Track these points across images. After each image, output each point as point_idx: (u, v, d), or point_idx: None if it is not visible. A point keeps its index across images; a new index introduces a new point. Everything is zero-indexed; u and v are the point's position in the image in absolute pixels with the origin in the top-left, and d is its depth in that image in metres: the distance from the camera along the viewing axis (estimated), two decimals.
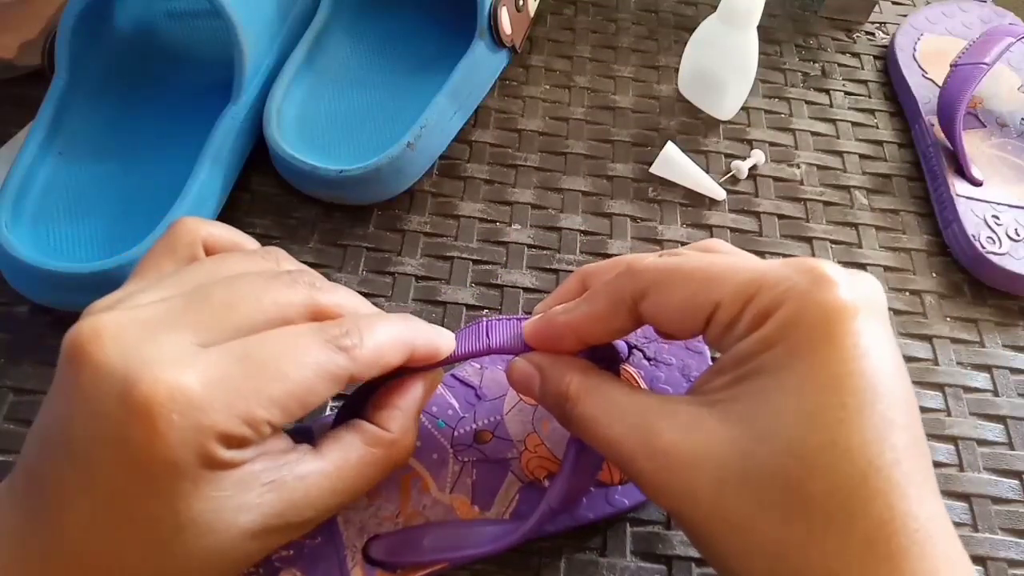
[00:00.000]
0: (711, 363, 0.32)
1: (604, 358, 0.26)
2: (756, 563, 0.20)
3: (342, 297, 0.24)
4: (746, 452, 0.20)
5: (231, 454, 0.20)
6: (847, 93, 0.50)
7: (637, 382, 0.31)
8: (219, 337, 0.21)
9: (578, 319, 0.25)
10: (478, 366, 0.32)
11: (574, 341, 0.25)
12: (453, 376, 0.32)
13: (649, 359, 0.32)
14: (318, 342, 0.22)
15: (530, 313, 0.37)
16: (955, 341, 0.39)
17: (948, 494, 0.34)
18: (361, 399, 0.26)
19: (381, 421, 0.25)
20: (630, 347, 0.32)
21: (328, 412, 0.33)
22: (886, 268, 0.41)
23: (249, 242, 0.27)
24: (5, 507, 0.21)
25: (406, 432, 0.25)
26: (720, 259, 0.23)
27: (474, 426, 0.31)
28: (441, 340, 0.26)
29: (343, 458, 0.23)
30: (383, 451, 0.24)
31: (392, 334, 0.24)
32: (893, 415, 0.20)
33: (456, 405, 0.31)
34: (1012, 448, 0.35)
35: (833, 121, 0.48)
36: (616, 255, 0.40)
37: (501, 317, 0.27)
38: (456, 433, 0.30)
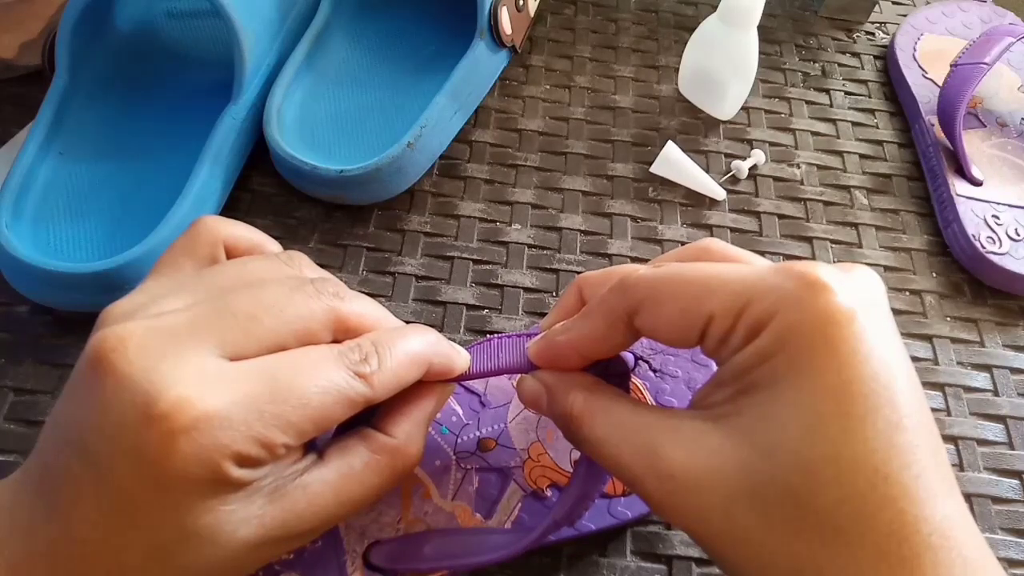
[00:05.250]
0: None
1: (614, 373, 0.26)
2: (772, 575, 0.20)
3: (365, 307, 0.24)
4: (752, 469, 0.20)
5: (242, 473, 0.20)
6: (847, 93, 0.50)
7: (643, 394, 0.31)
8: (242, 349, 0.21)
9: (577, 338, 0.24)
10: None
11: (577, 359, 0.25)
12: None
13: (655, 371, 0.32)
14: (339, 368, 0.22)
15: (543, 313, 0.37)
16: (955, 341, 0.39)
17: None
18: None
19: (387, 428, 0.24)
20: (636, 358, 0.32)
21: None
22: (886, 268, 0.41)
23: (271, 243, 0.26)
24: (20, 497, 0.21)
25: (412, 440, 0.25)
26: (711, 269, 0.22)
27: (477, 433, 0.30)
28: (457, 358, 0.26)
29: (347, 465, 0.23)
30: (387, 459, 0.24)
31: (410, 353, 0.24)
32: (899, 418, 0.19)
33: (460, 412, 0.31)
34: (1012, 448, 0.35)
35: (833, 121, 0.48)
36: (616, 255, 0.40)
37: (511, 334, 0.27)
38: (459, 440, 0.30)
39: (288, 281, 0.23)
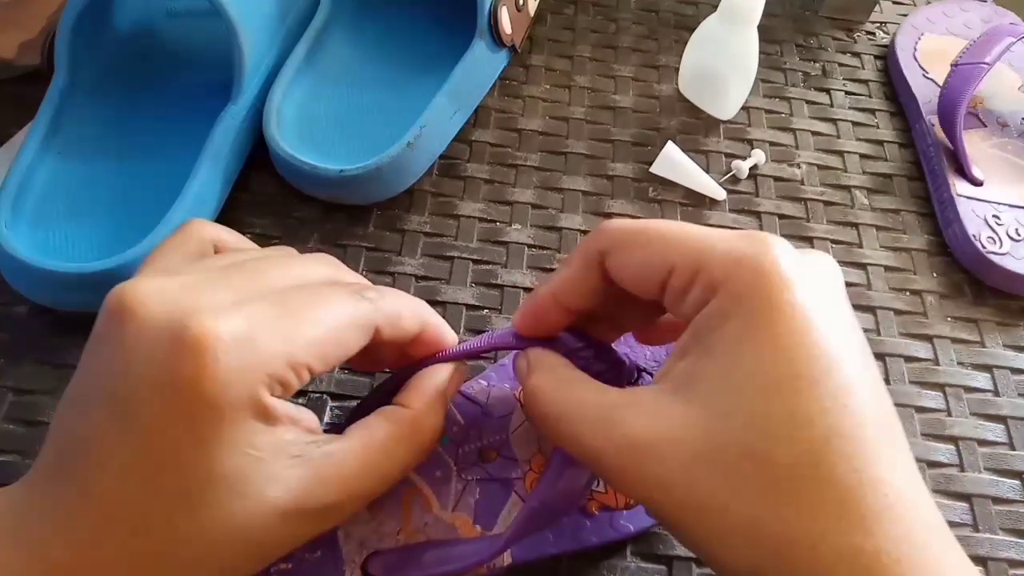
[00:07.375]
0: None
1: (605, 359, 0.26)
2: (736, 541, 0.20)
3: (361, 278, 0.27)
4: (711, 431, 0.20)
5: (273, 401, 0.20)
6: (847, 93, 0.50)
7: None
8: (253, 297, 0.22)
9: (555, 283, 0.26)
10: (485, 384, 0.31)
11: (557, 309, 0.26)
12: (460, 392, 0.31)
13: None
14: (345, 292, 0.23)
15: None
16: (956, 341, 0.39)
17: (948, 494, 0.34)
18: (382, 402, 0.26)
19: (403, 400, 0.25)
20: (639, 369, 0.31)
21: (326, 423, 0.33)
22: (886, 268, 0.41)
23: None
24: (30, 496, 0.21)
25: (430, 409, 0.25)
26: (679, 227, 0.23)
27: (479, 444, 0.30)
28: (447, 328, 0.28)
29: (369, 436, 0.24)
30: (408, 428, 0.25)
31: (407, 301, 0.26)
32: (852, 383, 0.20)
33: (461, 422, 0.30)
34: (1013, 448, 0.35)
35: (833, 121, 0.48)
36: None
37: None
38: (460, 450, 0.30)
39: (287, 255, 0.25)
